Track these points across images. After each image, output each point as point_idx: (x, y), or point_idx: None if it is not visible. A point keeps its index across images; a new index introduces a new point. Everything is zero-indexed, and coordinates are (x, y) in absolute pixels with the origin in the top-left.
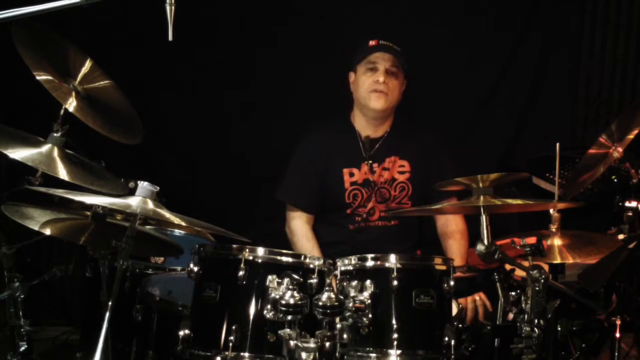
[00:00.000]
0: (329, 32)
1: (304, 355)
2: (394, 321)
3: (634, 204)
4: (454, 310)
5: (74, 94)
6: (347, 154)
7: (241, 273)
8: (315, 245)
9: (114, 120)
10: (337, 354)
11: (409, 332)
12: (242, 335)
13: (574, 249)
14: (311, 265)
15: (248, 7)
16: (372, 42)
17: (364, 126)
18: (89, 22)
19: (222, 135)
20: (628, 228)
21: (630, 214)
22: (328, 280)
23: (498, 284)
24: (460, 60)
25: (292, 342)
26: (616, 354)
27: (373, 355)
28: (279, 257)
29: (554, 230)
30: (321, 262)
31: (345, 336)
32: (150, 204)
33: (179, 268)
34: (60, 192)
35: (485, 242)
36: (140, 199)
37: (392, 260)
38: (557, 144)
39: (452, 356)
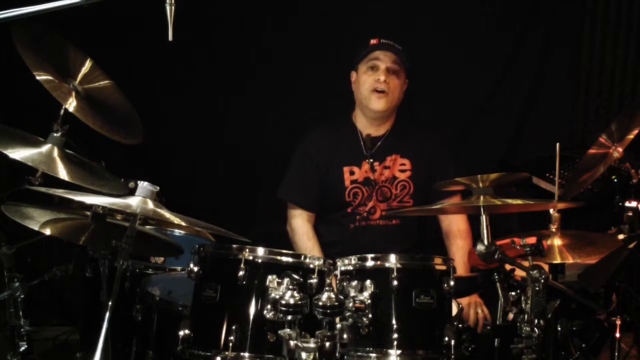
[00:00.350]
0: (329, 32)
1: (304, 355)
2: (394, 321)
3: (634, 204)
4: (454, 310)
5: (74, 94)
6: (347, 152)
7: (241, 273)
8: (316, 243)
9: (114, 120)
10: (337, 354)
11: (409, 332)
12: (242, 335)
13: (574, 249)
14: (311, 265)
15: (248, 7)
16: (373, 41)
17: (366, 125)
18: (89, 22)
19: (222, 135)
20: (628, 228)
21: (630, 214)
22: (328, 280)
23: (498, 284)
24: (461, 60)
25: (292, 342)
26: (616, 354)
27: (373, 355)
28: (279, 257)
29: (554, 230)
30: (321, 262)
31: (345, 336)
32: (150, 204)
33: (179, 268)
34: (60, 192)
35: (485, 242)
36: (140, 199)
37: (392, 260)
38: (557, 144)
39: (452, 356)
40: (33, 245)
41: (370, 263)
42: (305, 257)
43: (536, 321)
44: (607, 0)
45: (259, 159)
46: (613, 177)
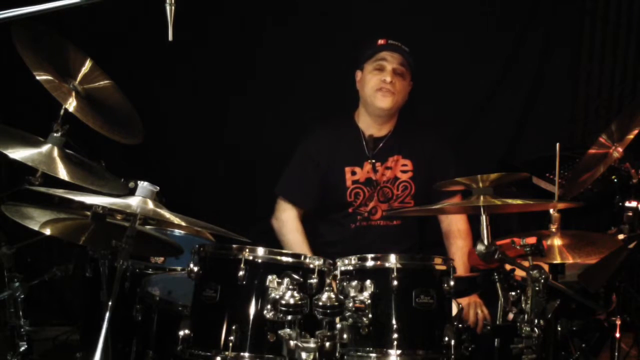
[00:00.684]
0: (329, 32)
1: (304, 355)
2: (394, 321)
3: (634, 204)
4: (454, 310)
5: (74, 94)
6: (349, 152)
7: (241, 273)
8: (305, 239)
9: (114, 120)
10: (337, 354)
11: (409, 332)
12: (242, 335)
13: (574, 249)
14: (311, 265)
15: (248, 7)
16: (381, 41)
17: (368, 125)
18: (89, 22)
19: (222, 135)
20: (628, 228)
21: (630, 214)
22: (328, 280)
23: (498, 284)
24: (461, 60)
25: (292, 342)
26: (616, 354)
27: (373, 355)
28: (279, 257)
29: (554, 230)
30: (321, 262)
31: (345, 336)
32: (150, 204)
33: (179, 268)
34: (60, 192)
35: (485, 242)
36: (140, 199)
37: (392, 260)
38: (557, 144)
39: (452, 356)
40: (33, 245)
41: (370, 263)
42: (305, 257)
43: (536, 321)
44: (607, 0)
45: (259, 159)
46: (613, 177)
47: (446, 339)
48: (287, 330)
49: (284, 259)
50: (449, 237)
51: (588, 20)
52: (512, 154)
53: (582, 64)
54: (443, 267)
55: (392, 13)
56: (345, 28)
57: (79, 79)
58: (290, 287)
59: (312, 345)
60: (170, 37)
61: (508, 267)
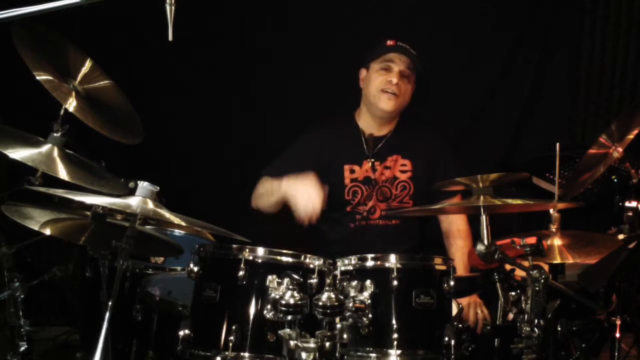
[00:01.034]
0: (329, 32)
1: (304, 355)
2: (394, 321)
3: (634, 204)
4: (454, 310)
5: (74, 94)
6: (349, 150)
7: (241, 273)
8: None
9: (114, 120)
10: (337, 354)
11: (409, 332)
12: (242, 335)
13: (574, 249)
14: (311, 265)
15: (248, 7)
16: (389, 42)
17: (369, 124)
18: (89, 22)
19: (222, 135)
20: (628, 228)
21: (630, 214)
22: (328, 280)
23: (498, 284)
24: (461, 60)
25: (292, 342)
26: (616, 354)
27: (373, 355)
28: (279, 257)
29: (554, 230)
30: (321, 262)
31: (345, 336)
32: (150, 204)
33: (179, 268)
34: (60, 192)
35: (485, 242)
36: (140, 199)
37: (392, 260)
38: (557, 144)
39: (452, 356)
40: (33, 245)
41: (370, 263)
42: (305, 257)
43: (536, 321)
44: (607, 0)
45: (259, 158)
46: (613, 177)
47: (446, 339)
48: (287, 330)
49: (284, 259)
50: (449, 237)
51: (588, 20)
52: (512, 154)
53: (582, 64)
54: (443, 267)
55: (392, 13)
56: (345, 28)
57: (79, 79)
58: (290, 287)
59: (312, 345)
60: (170, 37)
61: (508, 267)
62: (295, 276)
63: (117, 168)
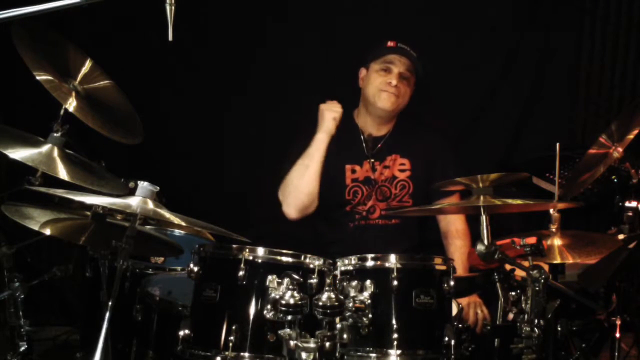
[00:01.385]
0: (329, 32)
1: (304, 355)
2: (394, 321)
3: (634, 204)
4: (454, 310)
5: (74, 94)
6: (349, 150)
7: (241, 273)
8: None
9: (114, 120)
10: (337, 354)
11: (409, 332)
12: (242, 335)
13: (574, 249)
14: (311, 265)
15: (248, 7)
16: (390, 43)
17: (368, 124)
18: (89, 22)
19: (222, 135)
20: (628, 228)
21: (630, 214)
22: (328, 280)
23: (498, 284)
24: (460, 60)
25: (292, 342)
26: (616, 354)
27: (373, 355)
28: (279, 257)
29: (554, 230)
30: (321, 262)
31: (345, 336)
32: (150, 204)
33: (179, 268)
34: (60, 192)
35: (485, 242)
36: (140, 199)
37: (392, 260)
38: (557, 144)
39: (452, 356)
40: (33, 245)
41: (370, 263)
42: (306, 257)
43: (536, 321)
44: (607, 0)
45: (259, 158)
46: (613, 177)
47: (446, 339)
48: (287, 330)
49: (284, 259)
50: (447, 237)
51: (588, 20)
52: (512, 154)
53: (582, 64)
54: (443, 267)
55: (392, 13)
56: (344, 27)
57: (79, 79)
58: (290, 287)
59: (312, 345)
60: (170, 37)
61: (508, 267)
62: (295, 276)
63: (117, 168)
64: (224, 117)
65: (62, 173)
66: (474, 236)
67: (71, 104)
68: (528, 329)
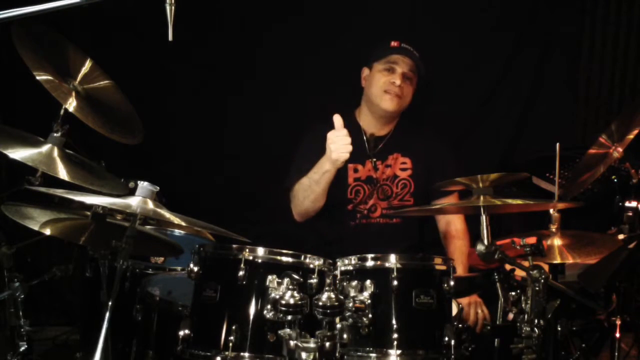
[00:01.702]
0: (329, 32)
1: (304, 355)
2: (394, 321)
3: (634, 204)
4: (454, 310)
5: (74, 94)
6: (352, 150)
7: (241, 273)
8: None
9: (114, 120)
10: (337, 354)
11: (409, 332)
12: (242, 335)
13: (574, 249)
14: (311, 265)
15: (248, 7)
16: (394, 43)
17: (370, 124)
18: (89, 22)
19: (223, 135)
20: (628, 228)
21: (630, 214)
22: (328, 280)
23: (498, 284)
24: (460, 60)
25: (292, 342)
26: (616, 354)
27: (373, 355)
28: (279, 257)
29: (554, 230)
30: (321, 262)
31: (345, 336)
32: (150, 204)
33: (179, 268)
34: (60, 192)
35: (485, 242)
36: (140, 199)
37: (392, 260)
38: (557, 144)
39: (452, 356)
40: (33, 245)
41: (370, 263)
42: (305, 257)
43: (536, 321)
44: (607, 0)
45: (259, 158)
46: (613, 177)
47: (446, 339)
48: (287, 330)
49: (284, 259)
50: (447, 237)
51: (588, 20)
52: (512, 154)
53: (582, 64)
54: (443, 267)
55: (392, 13)
56: (345, 28)
57: (79, 79)
58: (290, 287)
59: (312, 345)
60: (170, 37)
61: (508, 267)
62: (295, 276)
63: (117, 168)
64: (224, 117)
65: (62, 173)
66: (474, 236)
67: (71, 104)
68: (528, 329)
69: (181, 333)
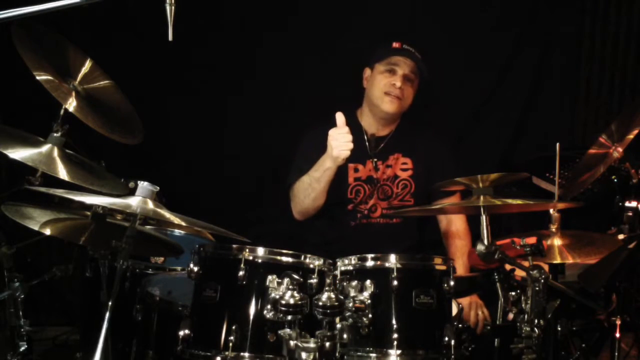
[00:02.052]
0: (330, 32)
1: (304, 355)
2: (394, 321)
3: (634, 204)
4: (454, 310)
5: (74, 94)
6: (353, 149)
7: (241, 273)
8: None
9: (114, 120)
10: (337, 354)
11: (409, 332)
12: (242, 335)
13: (574, 249)
14: (311, 265)
15: (248, 7)
16: (395, 44)
17: (371, 124)
18: (89, 22)
19: (222, 135)
20: (628, 228)
21: (630, 214)
22: (328, 280)
23: (498, 284)
24: (460, 60)
25: (292, 342)
26: (616, 354)
27: (373, 355)
28: (279, 257)
29: (554, 230)
30: (321, 262)
31: (345, 336)
32: (150, 204)
33: (179, 268)
34: (60, 192)
35: (485, 242)
36: (140, 199)
37: (392, 260)
38: (557, 144)
39: (452, 356)
40: (33, 245)
41: (370, 263)
42: (305, 257)
43: (536, 321)
44: (607, 0)
45: (259, 158)
46: (613, 177)
47: (446, 339)
48: (287, 330)
49: (284, 259)
50: (448, 237)
51: (588, 20)
52: (512, 154)
53: (582, 64)
54: (443, 267)
55: (392, 13)
56: (345, 28)
57: (79, 79)
58: (290, 287)
59: (312, 345)
60: (170, 37)
61: (508, 267)
62: (295, 276)
63: (117, 168)
64: (224, 117)
65: (62, 173)
66: (474, 236)
67: (71, 104)
68: (528, 329)
69: (181, 333)
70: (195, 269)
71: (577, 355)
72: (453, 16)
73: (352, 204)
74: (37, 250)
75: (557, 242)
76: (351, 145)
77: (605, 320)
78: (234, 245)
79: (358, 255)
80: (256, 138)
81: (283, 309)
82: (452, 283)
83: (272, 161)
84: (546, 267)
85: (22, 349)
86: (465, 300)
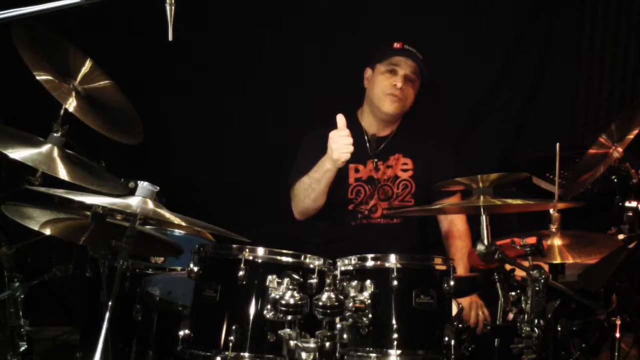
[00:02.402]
0: (329, 33)
1: (304, 355)
2: (394, 321)
3: (634, 204)
4: (454, 310)
5: (74, 94)
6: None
7: (241, 273)
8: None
9: (114, 120)
10: (337, 354)
11: (409, 332)
12: (242, 335)
13: (574, 249)
14: (311, 265)
15: (248, 7)
16: (396, 45)
17: (371, 124)
18: (89, 22)
19: (223, 135)
20: (628, 228)
21: (630, 214)
22: (328, 280)
23: (498, 284)
24: (461, 60)
25: (292, 342)
26: (616, 354)
27: (373, 355)
28: (279, 257)
29: (554, 230)
30: (321, 262)
31: (345, 336)
32: (150, 204)
33: (179, 268)
34: (60, 192)
35: (485, 242)
36: (140, 199)
37: (392, 260)
38: (557, 144)
39: (452, 356)
40: (33, 245)
41: (370, 263)
42: (305, 257)
43: (536, 321)
44: (607, 0)
45: (259, 158)
46: (613, 177)
47: (446, 339)
48: (287, 330)
49: (284, 259)
50: (448, 237)
51: (588, 20)
52: (512, 154)
53: (582, 64)
54: (443, 267)
55: (392, 13)
56: (346, 28)
57: (79, 79)
58: (290, 287)
59: (312, 345)
60: (170, 37)
61: (508, 267)
62: (295, 276)
63: (117, 168)
64: (225, 117)
65: (62, 173)
66: (474, 236)
67: (71, 104)
68: (528, 329)
69: (181, 333)
70: (195, 269)
71: (577, 355)
72: (453, 16)
73: (353, 204)
74: (37, 250)
75: (557, 242)
76: (351, 149)
77: (605, 320)
78: (234, 245)
79: (358, 255)
80: (256, 138)
81: (283, 309)
82: (452, 283)
83: (273, 161)
84: (546, 267)
85: (22, 349)
86: (465, 300)
